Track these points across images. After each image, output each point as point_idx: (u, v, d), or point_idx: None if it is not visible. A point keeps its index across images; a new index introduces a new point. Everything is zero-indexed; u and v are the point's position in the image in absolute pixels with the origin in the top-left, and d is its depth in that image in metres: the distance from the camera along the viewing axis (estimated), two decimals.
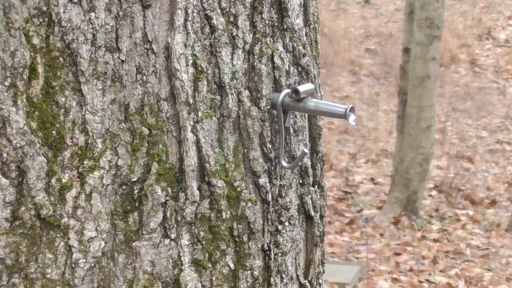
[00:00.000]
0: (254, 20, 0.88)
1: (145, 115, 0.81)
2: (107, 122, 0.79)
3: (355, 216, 5.08)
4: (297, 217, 0.96)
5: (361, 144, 6.39)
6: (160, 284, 0.83)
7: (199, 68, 0.83)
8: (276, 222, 0.93)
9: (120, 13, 0.78)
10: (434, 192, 5.64)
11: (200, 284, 0.85)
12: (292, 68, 0.94)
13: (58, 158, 0.78)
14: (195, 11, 0.82)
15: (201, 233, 0.85)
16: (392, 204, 5.10)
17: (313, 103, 0.90)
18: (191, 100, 0.83)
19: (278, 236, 0.93)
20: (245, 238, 0.88)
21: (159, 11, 0.80)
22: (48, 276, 0.78)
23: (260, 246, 0.90)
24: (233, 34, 0.86)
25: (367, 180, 5.87)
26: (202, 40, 0.84)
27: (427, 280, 4.01)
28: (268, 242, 0.92)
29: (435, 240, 4.69)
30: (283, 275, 0.95)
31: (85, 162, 0.79)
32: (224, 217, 0.86)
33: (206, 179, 0.85)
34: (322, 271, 1.03)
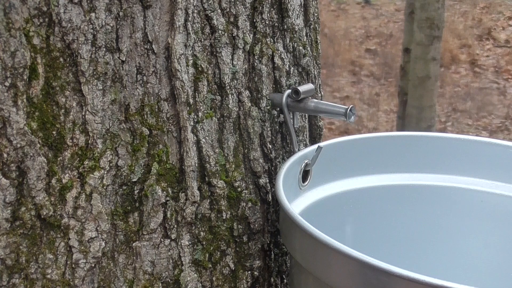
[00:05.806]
0: (255, 20, 0.88)
1: (145, 116, 0.81)
2: (107, 123, 0.79)
3: None
4: None
5: None
6: (160, 284, 0.83)
7: (200, 69, 0.83)
8: (276, 223, 0.93)
9: (121, 14, 0.78)
10: None
11: (200, 285, 0.85)
12: (292, 68, 0.94)
13: (59, 159, 0.78)
14: (196, 11, 0.82)
15: (202, 233, 0.85)
16: None
17: (313, 103, 0.90)
18: (191, 101, 0.83)
19: (278, 236, 0.93)
20: (245, 239, 0.88)
21: (160, 12, 0.80)
22: (49, 276, 0.78)
23: (260, 246, 0.90)
24: (234, 35, 0.86)
25: None
26: (202, 40, 0.84)
27: None
28: (268, 242, 0.92)
29: None
30: (284, 276, 0.95)
31: (86, 162, 0.79)
32: (224, 218, 0.86)
33: (207, 179, 0.85)
34: None
